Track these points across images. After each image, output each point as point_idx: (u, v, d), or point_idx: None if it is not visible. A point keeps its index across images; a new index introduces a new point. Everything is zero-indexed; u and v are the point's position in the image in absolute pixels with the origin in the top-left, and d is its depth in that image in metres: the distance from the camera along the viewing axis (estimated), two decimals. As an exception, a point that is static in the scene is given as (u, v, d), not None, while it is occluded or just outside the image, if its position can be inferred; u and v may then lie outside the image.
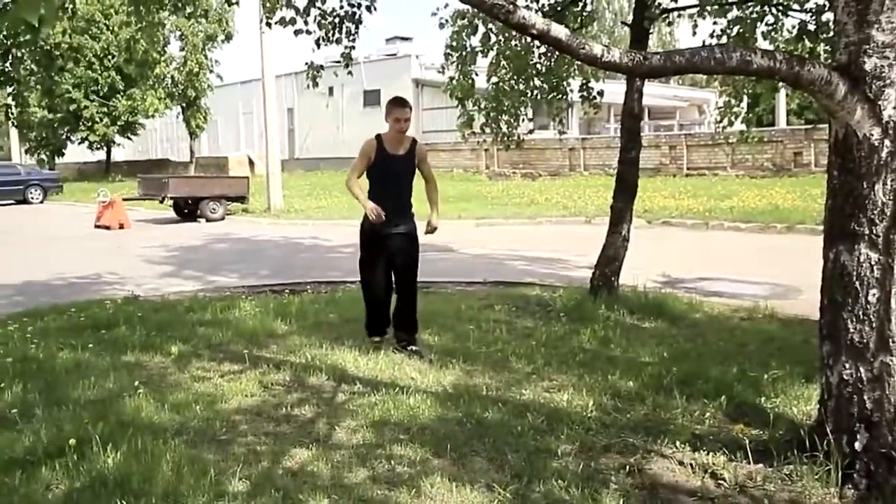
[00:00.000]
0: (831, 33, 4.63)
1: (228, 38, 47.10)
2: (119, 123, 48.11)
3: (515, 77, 9.92)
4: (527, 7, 9.23)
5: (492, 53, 9.82)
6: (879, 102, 3.97)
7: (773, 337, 7.62)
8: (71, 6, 8.42)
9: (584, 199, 24.04)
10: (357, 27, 9.12)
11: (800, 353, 6.65)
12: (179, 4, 9.27)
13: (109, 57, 46.37)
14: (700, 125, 40.41)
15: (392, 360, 6.85)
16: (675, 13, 10.19)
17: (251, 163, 45.57)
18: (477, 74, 10.09)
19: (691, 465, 4.52)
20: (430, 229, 7.27)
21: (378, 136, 7.10)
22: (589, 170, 33.60)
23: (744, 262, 13.23)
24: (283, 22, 9.01)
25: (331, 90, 42.82)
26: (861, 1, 3.96)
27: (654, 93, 40.83)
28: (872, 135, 4.00)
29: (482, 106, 10.16)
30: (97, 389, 6.11)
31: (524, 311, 8.86)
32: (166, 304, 9.78)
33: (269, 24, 9.29)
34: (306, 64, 9.66)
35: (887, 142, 4.01)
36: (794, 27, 9.33)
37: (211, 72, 48.03)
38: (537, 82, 9.93)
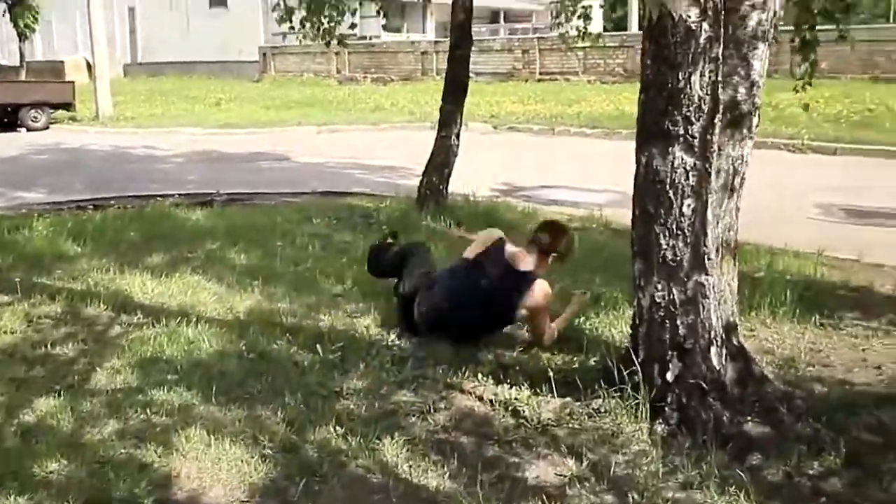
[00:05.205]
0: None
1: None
2: (-65, 22, 44.11)
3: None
4: None
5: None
6: (697, -23, 3.37)
7: (603, 248, 7.16)
8: None
9: (430, 105, 23.17)
10: None
11: (628, 267, 6.22)
12: None
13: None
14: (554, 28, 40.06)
15: (187, 283, 6.06)
16: None
17: (89, 66, 42.61)
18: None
19: (491, 401, 3.99)
20: None
21: None
22: (441, 74, 32.68)
23: (587, 169, 12.95)
24: None
25: (175, -12, 40.15)
26: None
27: (511, -6, 40.07)
28: (689, 16, 3.40)
29: (302, -2, 9.23)
30: None
31: (345, 224, 8.16)
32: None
33: None
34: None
35: (706, 25, 3.41)
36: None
37: (42, -37, 44.19)
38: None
